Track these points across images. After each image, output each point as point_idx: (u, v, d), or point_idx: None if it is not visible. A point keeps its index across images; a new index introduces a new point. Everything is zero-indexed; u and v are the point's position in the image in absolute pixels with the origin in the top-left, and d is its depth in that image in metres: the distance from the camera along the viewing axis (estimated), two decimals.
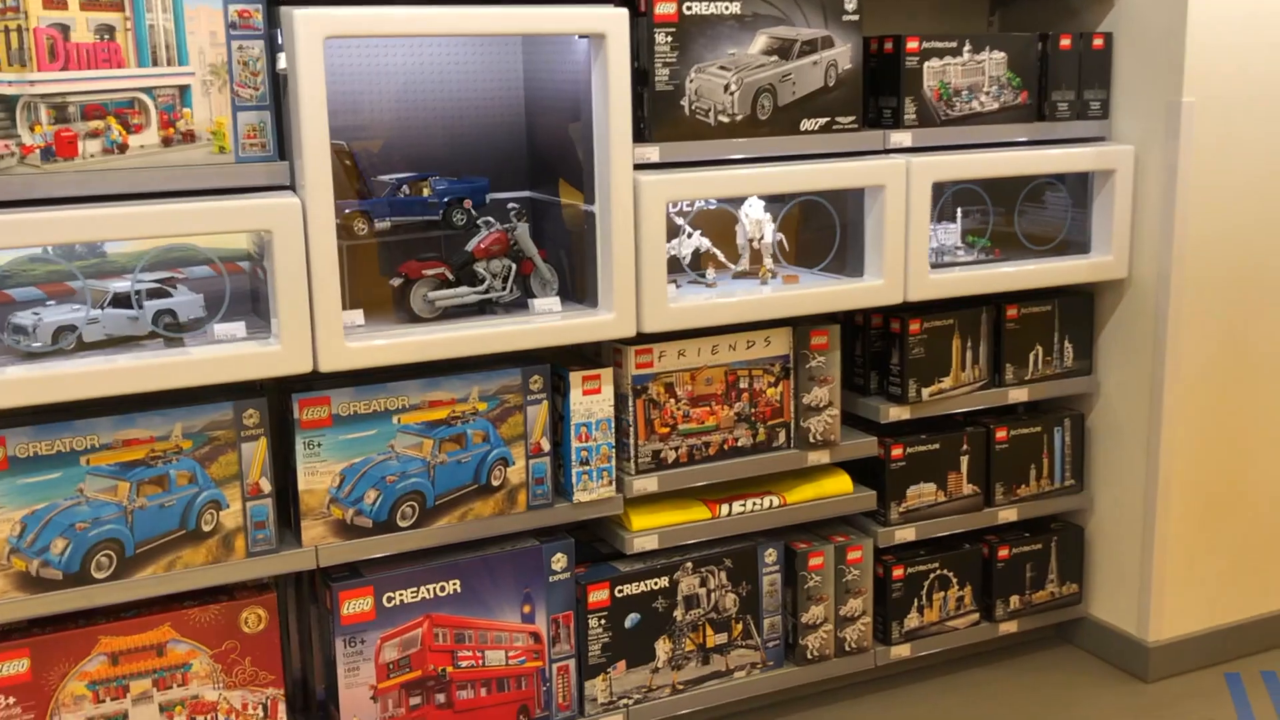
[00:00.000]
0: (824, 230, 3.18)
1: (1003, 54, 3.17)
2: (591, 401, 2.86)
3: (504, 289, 2.84)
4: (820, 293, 2.99)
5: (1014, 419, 3.42)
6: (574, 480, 2.87)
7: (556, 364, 2.87)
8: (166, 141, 2.41)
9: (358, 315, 2.68)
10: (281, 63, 2.45)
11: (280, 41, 2.45)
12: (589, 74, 2.75)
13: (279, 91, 2.50)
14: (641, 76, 2.76)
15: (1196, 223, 3.22)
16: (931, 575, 3.34)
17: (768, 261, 3.16)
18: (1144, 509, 3.38)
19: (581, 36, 2.73)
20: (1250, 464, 3.46)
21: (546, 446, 2.85)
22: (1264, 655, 3.54)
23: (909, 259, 3.05)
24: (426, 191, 2.84)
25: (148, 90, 2.38)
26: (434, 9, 2.53)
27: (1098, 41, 3.27)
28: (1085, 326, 3.43)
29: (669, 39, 2.79)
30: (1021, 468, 3.41)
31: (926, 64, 3.08)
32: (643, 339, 2.86)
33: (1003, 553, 3.42)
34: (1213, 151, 3.20)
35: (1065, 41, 3.23)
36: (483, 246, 2.82)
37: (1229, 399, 3.38)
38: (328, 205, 2.48)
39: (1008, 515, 3.41)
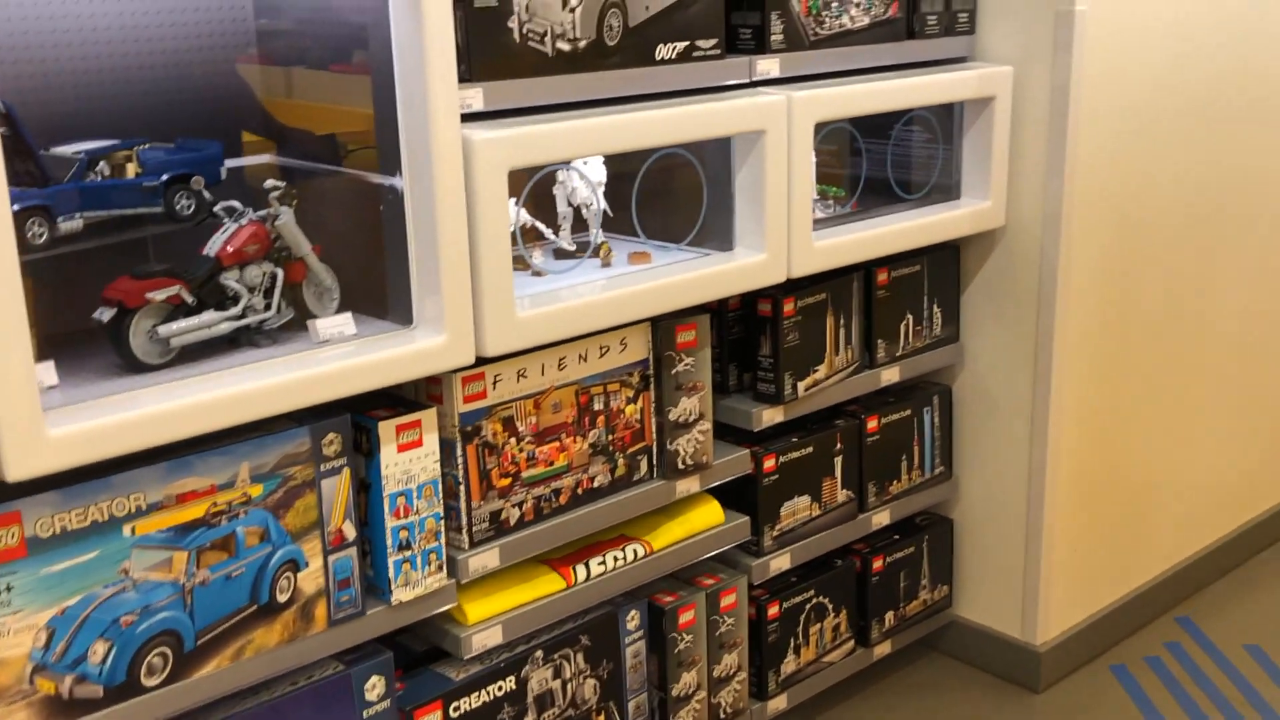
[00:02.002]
0: (664, 188, 2.42)
1: None
2: (410, 460, 2.00)
3: (268, 307, 1.91)
4: (691, 278, 2.24)
5: (883, 404, 2.82)
6: (391, 574, 2.01)
7: (355, 411, 1.98)
8: None
9: (47, 371, 1.70)
10: None
11: None
12: None
13: None
14: None
15: (1086, 156, 2.70)
16: (807, 607, 2.71)
17: (598, 234, 2.38)
18: (1027, 494, 2.88)
19: None
20: (1130, 431, 3.04)
21: (351, 533, 1.96)
22: (1138, 638, 3.17)
23: (792, 224, 2.35)
24: (133, 169, 1.86)
25: None
26: None
27: None
28: (952, 286, 2.87)
29: None
30: (893, 461, 2.83)
31: None
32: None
33: (876, 564, 2.84)
34: (1102, 71, 2.68)
35: None
36: (232, 249, 1.87)
37: (1114, 360, 2.93)
38: (1, 205, 1.48)
39: (880, 519, 2.83)
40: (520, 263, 2.26)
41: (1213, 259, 3.13)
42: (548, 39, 2.03)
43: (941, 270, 2.82)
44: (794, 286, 2.50)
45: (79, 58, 1.95)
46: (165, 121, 2.03)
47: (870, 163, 2.77)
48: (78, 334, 1.87)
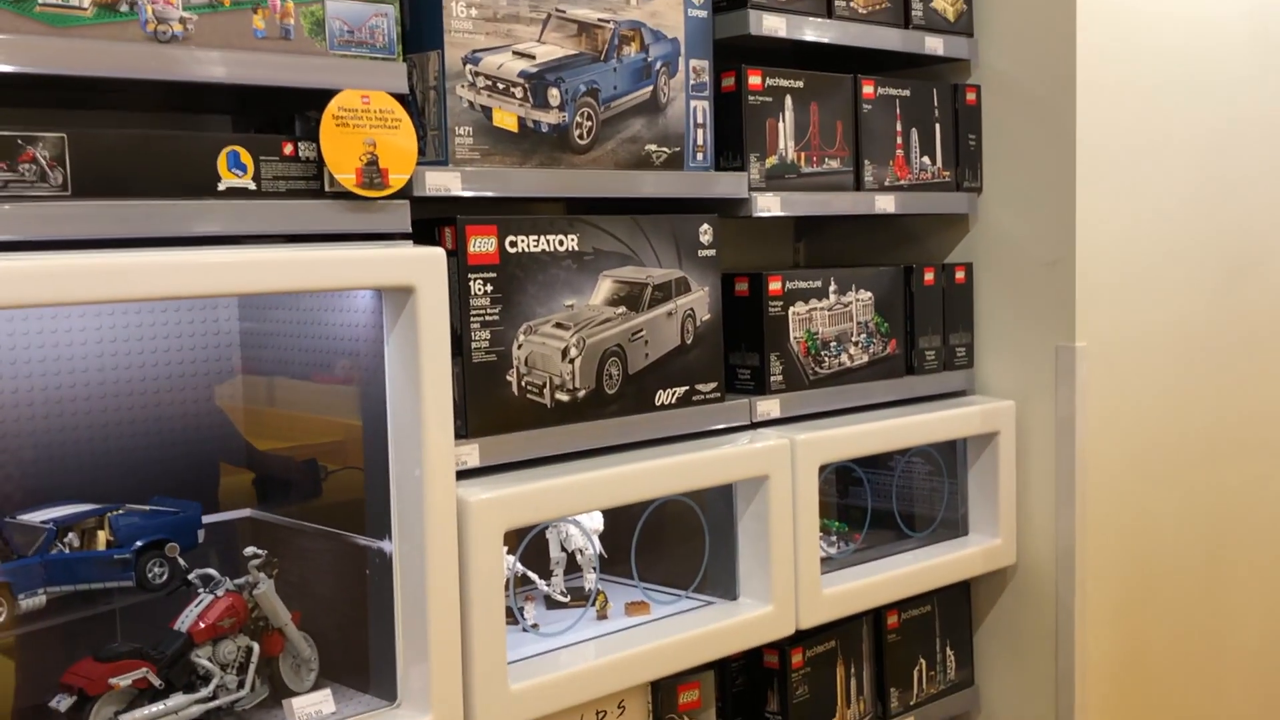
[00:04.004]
0: (663, 532, 2.31)
1: (870, 294, 2.49)
2: None
3: (240, 686, 1.76)
4: (694, 637, 2.10)
5: None
6: None
7: None
8: None
9: None
10: None
11: None
12: (369, 337, 1.81)
13: None
14: (452, 343, 1.83)
15: (1095, 489, 2.62)
16: None
17: (592, 579, 2.25)
18: None
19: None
20: None
21: None
22: None
23: (799, 572, 2.24)
24: (105, 537, 1.74)
25: None
26: (162, 257, 1.51)
27: (959, 275, 2.66)
28: (964, 627, 2.73)
29: (488, 288, 1.89)
30: None
31: (791, 310, 2.34)
32: None
33: None
34: (1105, 404, 2.64)
35: (928, 276, 2.60)
36: (205, 624, 1.73)
37: (1136, 699, 2.77)
38: None
39: None
40: (510, 616, 2.12)
41: (1228, 583, 3.02)
42: (546, 390, 1.96)
43: (953, 610, 2.69)
44: (801, 634, 2.36)
45: (38, 414, 1.86)
46: (137, 477, 1.93)
47: (874, 494, 2.68)
48: (30, 713, 1.71)
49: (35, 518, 1.71)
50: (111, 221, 1.52)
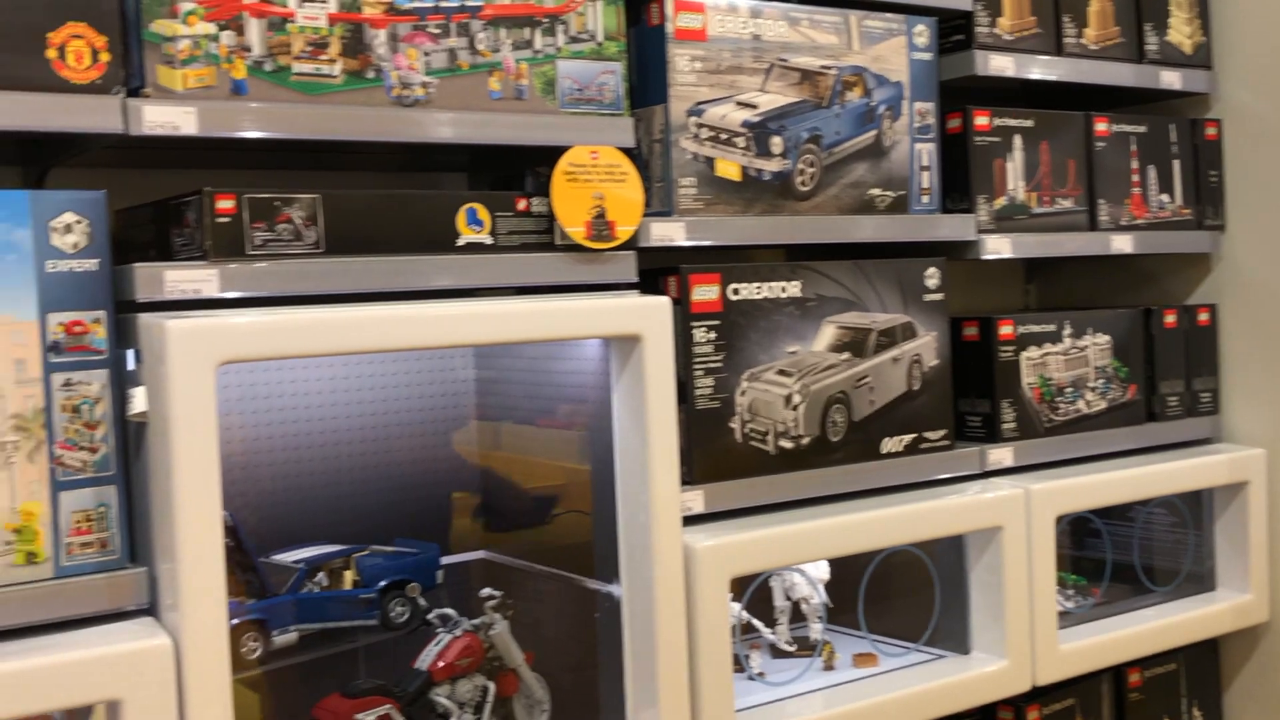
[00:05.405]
0: (890, 582, 2.27)
1: (1107, 337, 2.40)
2: None
3: None
4: (926, 690, 2.05)
5: None
6: None
7: None
8: None
9: None
10: (138, 404, 1.44)
11: (136, 370, 1.45)
12: (597, 384, 1.85)
13: (128, 452, 1.48)
14: (677, 390, 1.85)
15: None
16: None
17: (818, 629, 2.23)
18: None
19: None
20: None
21: None
22: None
23: (1035, 627, 2.16)
24: (351, 577, 1.82)
25: None
26: (409, 309, 1.59)
27: (1203, 317, 2.55)
28: (1213, 687, 2.58)
29: (711, 335, 1.90)
30: None
31: (1024, 354, 2.28)
32: None
33: None
34: None
35: (1169, 318, 2.49)
36: (444, 663, 1.79)
37: None
38: (219, 648, 1.44)
39: None
40: (735, 663, 2.12)
41: None
42: (770, 437, 1.96)
43: (1200, 668, 2.55)
44: (1038, 691, 2.28)
45: (286, 459, 1.96)
46: (377, 519, 2.01)
47: (1113, 546, 2.56)
48: None
49: (287, 558, 1.81)
50: (360, 276, 1.60)
